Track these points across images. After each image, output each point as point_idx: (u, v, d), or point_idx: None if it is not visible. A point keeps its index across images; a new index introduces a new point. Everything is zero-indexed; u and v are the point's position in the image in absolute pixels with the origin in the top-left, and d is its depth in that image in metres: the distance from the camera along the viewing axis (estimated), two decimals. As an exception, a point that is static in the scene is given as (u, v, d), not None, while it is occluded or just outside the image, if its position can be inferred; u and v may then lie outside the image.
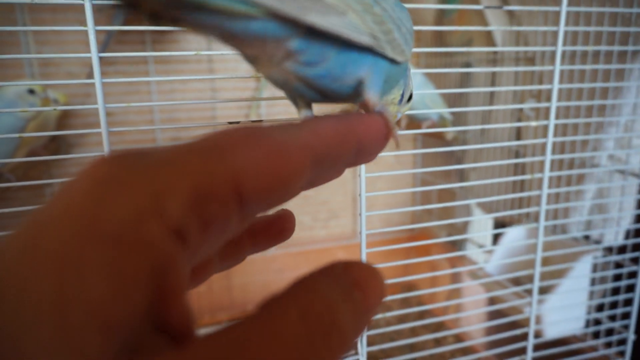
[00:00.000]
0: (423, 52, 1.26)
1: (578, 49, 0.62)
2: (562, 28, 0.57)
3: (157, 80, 1.13)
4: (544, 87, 0.59)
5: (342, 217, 1.36)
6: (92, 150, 1.14)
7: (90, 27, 0.45)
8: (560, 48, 0.58)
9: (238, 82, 1.21)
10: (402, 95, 0.28)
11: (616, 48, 0.69)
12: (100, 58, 1.08)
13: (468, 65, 1.11)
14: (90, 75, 1.04)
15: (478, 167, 1.06)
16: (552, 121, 0.60)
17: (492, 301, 0.92)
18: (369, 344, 0.64)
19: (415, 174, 1.36)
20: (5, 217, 1.09)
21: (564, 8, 0.57)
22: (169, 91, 1.16)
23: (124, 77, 1.13)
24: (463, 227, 1.25)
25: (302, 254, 1.29)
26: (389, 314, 0.67)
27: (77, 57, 1.06)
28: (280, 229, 0.22)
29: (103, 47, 1.01)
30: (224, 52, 0.50)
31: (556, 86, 0.59)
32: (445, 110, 0.75)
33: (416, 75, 0.96)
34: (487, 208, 1.13)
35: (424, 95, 0.97)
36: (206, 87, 1.18)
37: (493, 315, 0.97)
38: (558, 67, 0.58)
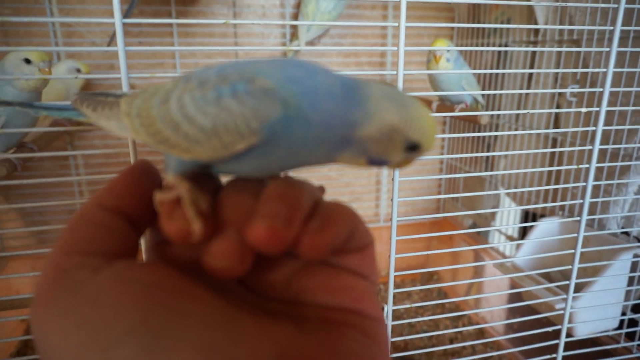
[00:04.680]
0: (457, 31, 1.20)
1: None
2: (622, 5, 0.52)
3: (181, 52, 1.11)
4: (596, 70, 0.55)
5: (365, 200, 1.33)
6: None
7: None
8: (619, 28, 0.53)
9: (264, 56, 1.17)
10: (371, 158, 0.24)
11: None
12: (124, 27, 1.05)
13: (505, 47, 1.05)
14: (111, 42, 1.01)
15: (510, 154, 1.02)
16: (604, 107, 0.55)
17: (519, 296, 0.89)
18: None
19: (443, 158, 1.32)
20: (31, 187, 1.09)
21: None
22: (194, 65, 1.14)
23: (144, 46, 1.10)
24: (490, 216, 1.21)
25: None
26: (410, 305, 0.64)
27: (101, 27, 1.04)
28: None
29: (126, 14, 0.98)
30: (251, 22, 0.47)
31: (611, 70, 0.54)
32: (479, 93, 0.70)
33: (459, 55, 0.91)
34: (517, 198, 1.09)
35: (460, 76, 0.92)
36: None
37: (520, 310, 0.94)
38: (615, 48, 0.53)
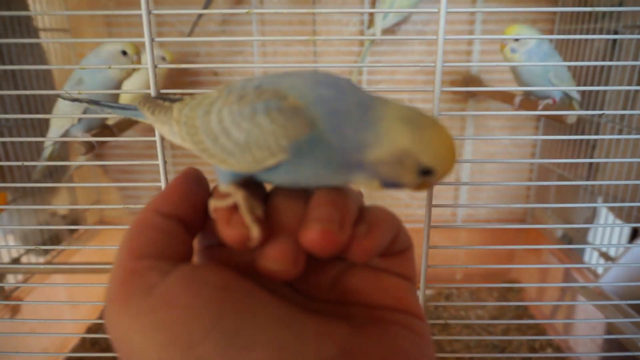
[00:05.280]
0: (560, 15, 1.06)
1: None
2: None
3: (261, 41, 1.13)
4: None
5: (442, 199, 1.24)
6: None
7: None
8: None
9: (341, 46, 1.15)
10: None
11: None
12: (208, 17, 1.07)
13: (616, 34, 0.90)
14: (191, 32, 1.06)
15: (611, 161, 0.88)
16: None
17: (608, 326, 0.76)
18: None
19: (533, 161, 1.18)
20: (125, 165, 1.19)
21: None
22: (272, 53, 1.15)
23: (230, 36, 1.14)
24: (585, 229, 1.05)
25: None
26: (445, 322, 0.58)
27: (188, 17, 1.09)
28: None
29: (206, 3, 1.02)
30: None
31: None
32: (570, 89, 0.60)
33: (542, 44, 0.80)
34: (616, 211, 0.93)
35: (546, 68, 0.80)
36: (309, 51, 1.15)
37: (610, 343, 0.81)
38: None
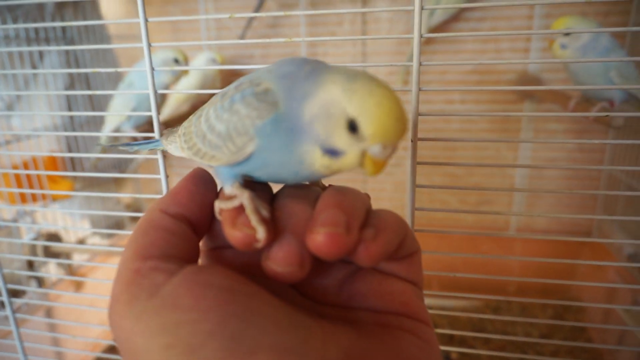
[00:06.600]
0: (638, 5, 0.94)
1: None
2: None
3: (311, 42, 1.15)
4: None
5: (496, 204, 1.17)
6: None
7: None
8: None
9: (391, 46, 1.12)
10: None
11: None
12: (253, 19, 1.09)
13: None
14: (243, 36, 1.10)
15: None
16: None
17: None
18: None
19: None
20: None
21: None
22: (322, 54, 1.16)
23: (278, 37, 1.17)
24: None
25: (443, 238, 1.14)
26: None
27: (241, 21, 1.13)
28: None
29: (256, 9, 1.06)
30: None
31: None
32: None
33: (600, 38, 0.72)
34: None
35: (609, 66, 0.72)
36: (357, 52, 1.14)
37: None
38: None
